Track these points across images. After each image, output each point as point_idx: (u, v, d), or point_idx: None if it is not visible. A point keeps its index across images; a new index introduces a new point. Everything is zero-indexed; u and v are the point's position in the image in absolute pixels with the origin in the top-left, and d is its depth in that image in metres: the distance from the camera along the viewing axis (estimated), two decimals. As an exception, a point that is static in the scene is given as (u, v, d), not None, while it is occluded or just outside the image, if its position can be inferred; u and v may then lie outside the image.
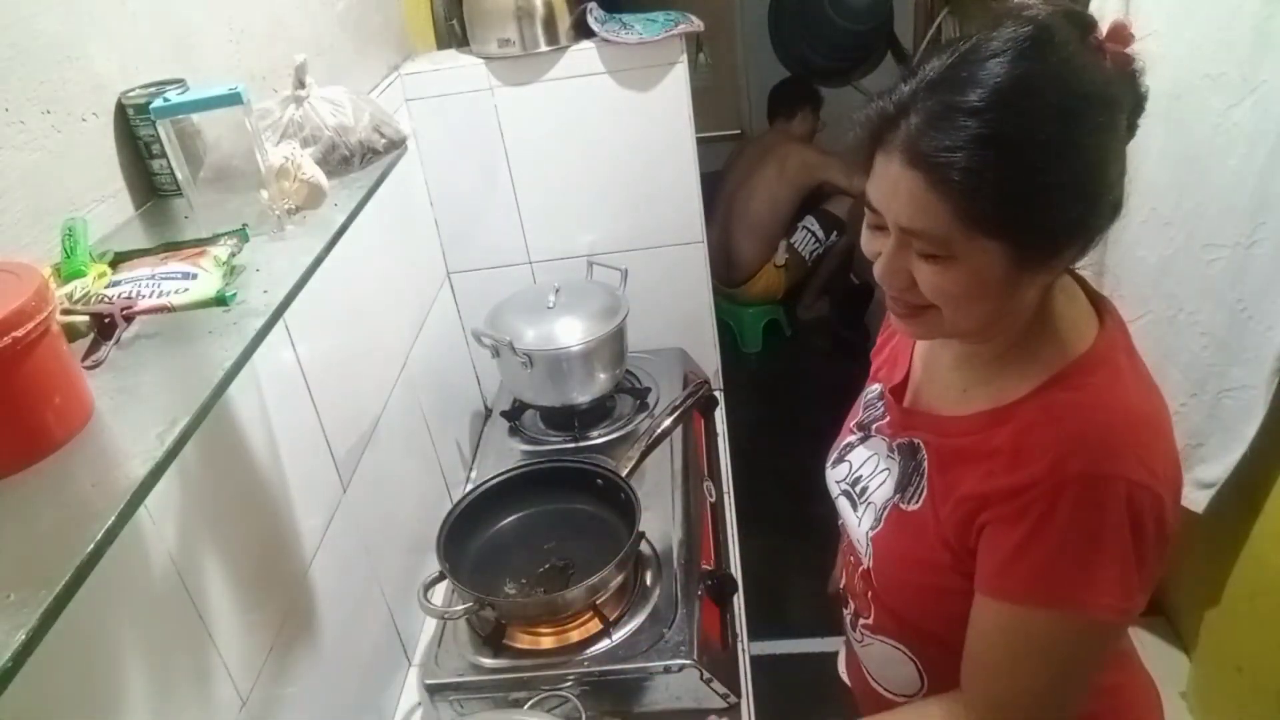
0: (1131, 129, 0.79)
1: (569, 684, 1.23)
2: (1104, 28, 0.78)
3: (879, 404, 1.03)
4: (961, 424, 0.88)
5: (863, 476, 1.01)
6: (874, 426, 1.03)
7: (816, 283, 3.78)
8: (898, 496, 0.94)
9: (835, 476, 1.07)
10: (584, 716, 1.19)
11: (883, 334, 1.11)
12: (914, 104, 0.74)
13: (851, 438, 1.06)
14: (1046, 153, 0.72)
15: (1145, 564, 0.78)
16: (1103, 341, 0.84)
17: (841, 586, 1.10)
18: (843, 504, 1.04)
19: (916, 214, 0.74)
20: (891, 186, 0.75)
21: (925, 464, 0.91)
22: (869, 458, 1.02)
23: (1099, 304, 0.88)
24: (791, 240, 3.63)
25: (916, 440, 0.94)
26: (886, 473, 0.97)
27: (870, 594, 0.99)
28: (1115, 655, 0.98)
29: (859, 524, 0.99)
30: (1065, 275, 0.87)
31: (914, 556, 0.91)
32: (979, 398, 0.88)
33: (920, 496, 0.91)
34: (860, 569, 1.00)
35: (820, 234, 3.64)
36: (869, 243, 0.83)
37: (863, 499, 1.00)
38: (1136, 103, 0.79)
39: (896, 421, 0.98)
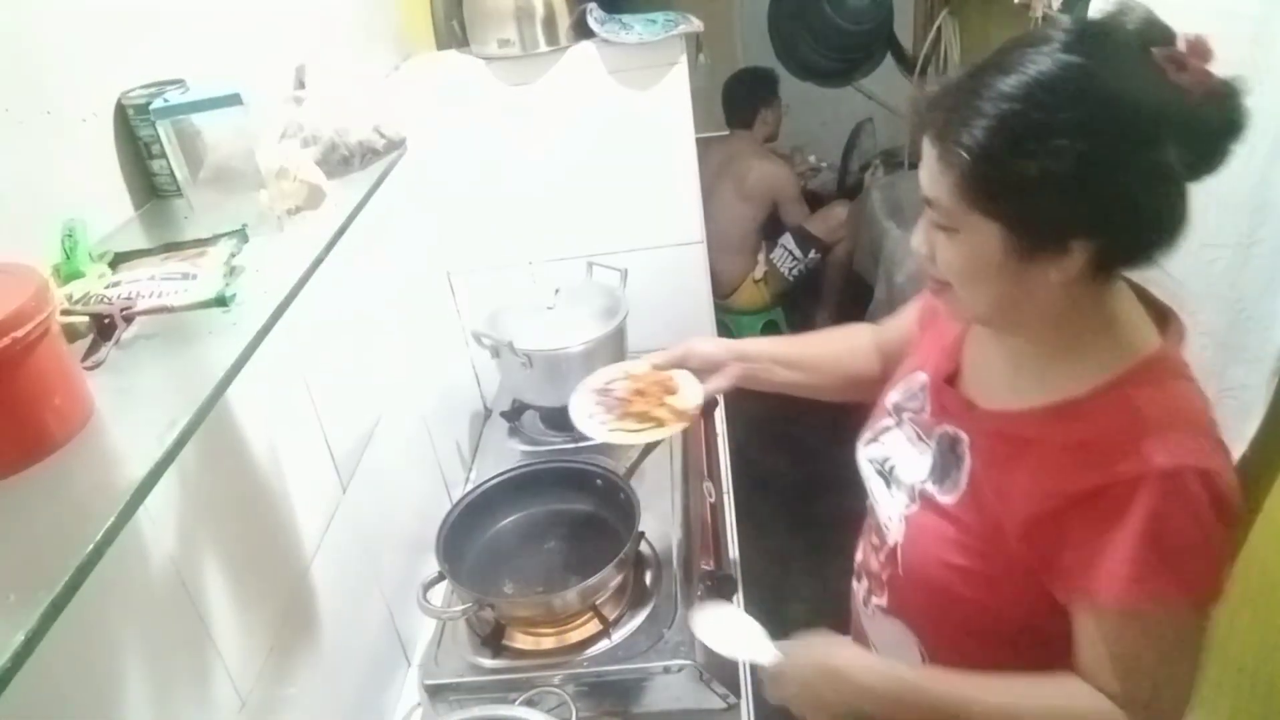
0: (1214, 155, 0.77)
1: (566, 683, 1.23)
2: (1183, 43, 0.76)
3: (921, 394, 1.02)
4: (1017, 418, 0.88)
5: (896, 461, 1.01)
6: (908, 414, 1.02)
7: (826, 304, 3.73)
8: (931, 482, 0.94)
9: (869, 455, 1.06)
10: (574, 714, 1.19)
11: (922, 312, 1.12)
12: (956, 89, 0.78)
13: (888, 420, 1.05)
14: (1052, 147, 0.72)
15: (1227, 548, 0.81)
16: (1170, 347, 0.85)
17: (857, 563, 1.11)
18: (876, 483, 1.04)
19: (929, 184, 0.80)
20: (924, 161, 0.81)
21: (968, 458, 0.91)
22: (904, 442, 1.02)
23: (1166, 317, 0.89)
24: (771, 256, 3.62)
25: (959, 432, 0.93)
26: (922, 458, 0.98)
27: (888, 576, 1.00)
28: None
29: (893, 501, 0.99)
30: (1123, 285, 0.86)
31: (942, 550, 0.91)
32: (1031, 393, 0.88)
33: (958, 490, 0.91)
34: (885, 549, 1.00)
35: (798, 253, 3.60)
36: (922, 221, 0.87)
37: (894, 477, 1.01)
38: (1222, 127, 0.76)
39: (943, 409, 0.97)
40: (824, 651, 0.95)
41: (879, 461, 1.04)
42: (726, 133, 3.56)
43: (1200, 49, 0.76)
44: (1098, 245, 0.76)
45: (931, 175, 0.79)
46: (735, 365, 1.20)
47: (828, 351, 1.24)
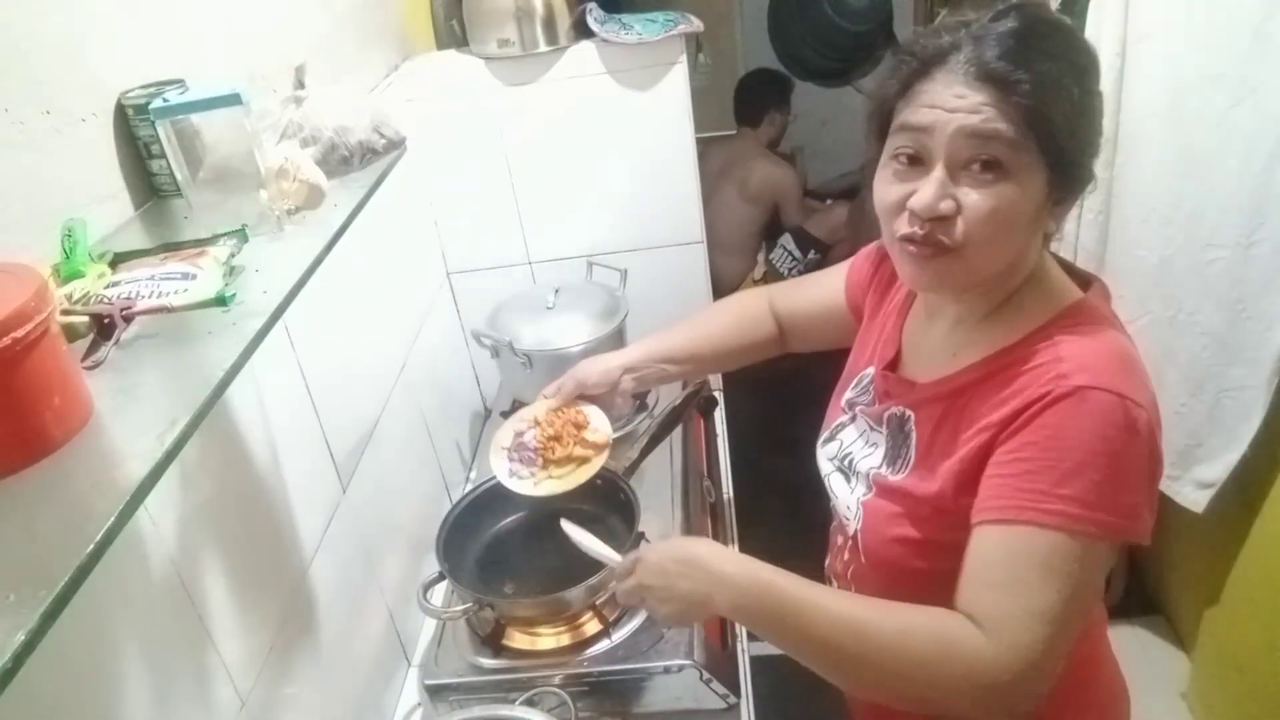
0: None
1: (566, 683, 1.23)
2: None
3: (870, 388, 1.04)
4: (955, 377, 0.90)
5: (853, 453, 1.03)
6: (860, 407, 1.04)
7: None
8: (885, 466, 0.96)
9: (827, 454, 1.08)
10: (574, 714, 1.19)
11: (854, 303, 1.14)
12: (969, 38, 0.79)
13: (843, 417, 1.07)
14: (1083, 80, 0.79)
15: (1150, 483, 0.79)
16: (1092, 299, 0.88)
17: (826, 568, 1.13)
18: (836, 479, 1.05)
19: (989, 120, 0.77)
20: (954, 103, 0.78)
21: (914, 432, 0.93)
22: (859, 436, 1.03)
23: (1089, 281, 0.92)
24: (770, 256, 3.61)
25: (905, 410, 0.95)
26: (875, 447, 0.99)
27: (852, 571, 1.01)
28: (1087, 657, 0.98)
29: (851, 492, 1.00)
30: (1049, 255, 0.91)
31: (893, 526, 0.92)
32: (968, 354, 0.90)
33: (908, 465, 0.93)
34: (847, 544, 1.01)
35: (797, 253, 3.60)
36: (896, 189, 0.83)
37: (852, 470, 1.02)
38: None
39: (887, 394, 0.99)
40: (683, 542, 0.99)
41: (837, 458, 1.05)
42: (731, 132, 3.56)
43: None
44: (1087, 187, 0.84)
45: (991, 114, 0.76)
46: (626, 379, 1.24)
47: (713, 332, 1.29)
